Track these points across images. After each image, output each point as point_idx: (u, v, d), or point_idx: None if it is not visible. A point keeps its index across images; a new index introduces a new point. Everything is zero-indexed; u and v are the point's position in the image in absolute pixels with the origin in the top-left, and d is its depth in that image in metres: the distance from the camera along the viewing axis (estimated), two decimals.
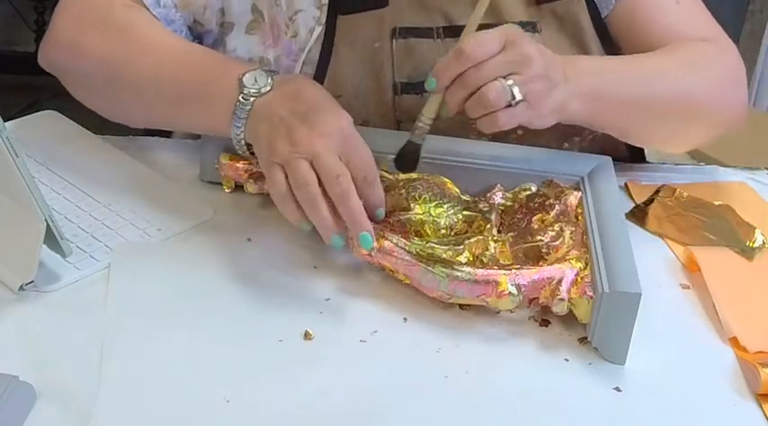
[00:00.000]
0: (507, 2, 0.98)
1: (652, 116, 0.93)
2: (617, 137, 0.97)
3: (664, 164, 1.09)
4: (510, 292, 0.77)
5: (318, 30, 0.97)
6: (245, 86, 0.85)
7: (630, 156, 1.07)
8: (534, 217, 0.87)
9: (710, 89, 0.96)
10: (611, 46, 1.01)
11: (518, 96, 0.80)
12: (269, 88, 0.85)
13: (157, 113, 0.95)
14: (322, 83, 0.97)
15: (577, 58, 0.94)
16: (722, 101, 0.98)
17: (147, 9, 0.97)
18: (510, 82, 0.79)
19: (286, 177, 0.81)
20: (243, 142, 0.87)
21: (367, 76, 0.98)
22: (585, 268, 0.79)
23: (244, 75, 0.86)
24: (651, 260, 0.89)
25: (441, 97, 0.82)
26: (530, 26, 0.98)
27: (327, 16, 0.97)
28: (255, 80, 0.85)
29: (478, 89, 0.79)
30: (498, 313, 0.81)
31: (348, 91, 0.97)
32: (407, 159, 0.86)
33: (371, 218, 0.82)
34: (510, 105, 0.80)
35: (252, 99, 0.84)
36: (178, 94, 0.91)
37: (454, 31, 0.98)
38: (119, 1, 0.97)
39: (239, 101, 0.84)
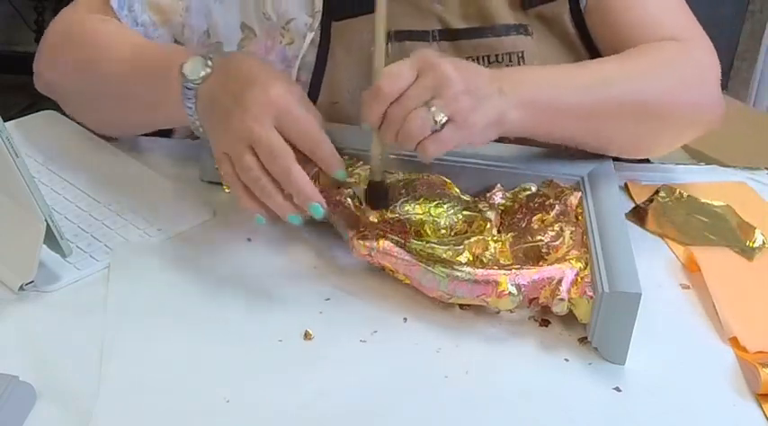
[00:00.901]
0: (496, 7, 0.98)
1: (603, 124, 0.90)
2: (577, 147, 0.94)
3: (664, 164, 1.09)
4: (510, 292, 0.77)
5: (311, 35, 0.97)
6: (185, 76, 0.86)
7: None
8: (534, 217, 0.87)
9: (670, 92, 0.93)
10: (594, 47, 1.00)
11: (441, 119, 0.77)
12: (210, 71, 0.85)
13: (132, 115, 0.96)
14: (318, 89, 0.98)
15: (517, 70, 0.92)
16: (685, 102, 0.94)
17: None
18: (432, 107, 0.77)
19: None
20: (201, 130, 0.87)
21: (363, 81, 0.97)
22: (585, 268, 0.79)
23: (183, 65, 0.86)
24: (651, 260, 0.89)
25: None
26: (522, 29, 0.98)
27: (322, 22, 0.97)
28: (195, 67, 0.86)
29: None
30: (498, 313, 0.81)
31: (344, 96, 0.98)
32: (377, 197, 0.85)
33: (323, 184, 0.84)
34: (437, 130, 0.78)
35: (194, 87, 0.85)
36: (137, 92, 0.92)
37: (450, 35, 0.98)
38: (95, 16, 0.98)
39: (184, 90, 0.86)
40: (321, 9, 0.97)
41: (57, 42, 1.00)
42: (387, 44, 0.91)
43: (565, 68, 0.93)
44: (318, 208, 0.80)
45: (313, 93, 0.99)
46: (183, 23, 0.99)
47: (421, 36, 0.98)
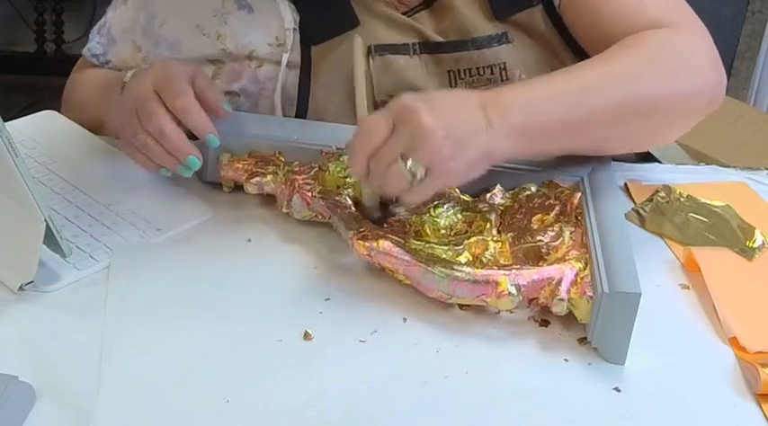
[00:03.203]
0: (471, 20, 0.98)
1: (596, 131, 0.87)
2: (573, 154, 0.92)
3: (663, 164, 1.09)
4: (510, 292, 0.77)
5: (286, 56, 0.98)
6: (124, 81, 0.95)
7: (635, 155, 1.07)
8: (534, 217, 0.87)
9: (659, 87, 0.89)
10: (576, 47, 0.99)
11: (419, 174, 0.77)
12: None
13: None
14: (305, 114, 0.99)
15: (501, 92, 0.85)
16: (677, 94, 0.90)
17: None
18: (409, 162, 0.77)
19: None
20: None
21: (347, 98, 0.98)
22: (585, 268, 0.79)
23: (126, 74, 0.96)
24: (651, 260, 0.89)
25: None
26: (503, 38, 0.98)
27: (301, 48, 0.98)
28: (131, 75, 0.94)
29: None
30: (498, 313, 0.81)
31: (331, 116, 0.98)
32: (373, 217, 0.86)
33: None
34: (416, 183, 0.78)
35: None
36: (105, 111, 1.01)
37: (429, 47, 0.98)
38: (79, 74, 1.12)
39: (121, 91, 0.94)
40: (293, 26, 0.98)
41: (63, 99, 1.14)
42: (368, 61, 0.95)
43: (551, 81, 0.88)
44: (194, 160, 0.87)
45: (299, 118, 1.00)
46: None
47: (402, 49, 0.98)
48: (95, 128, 1.05)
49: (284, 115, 1.01)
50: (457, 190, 0.90)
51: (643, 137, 0.94)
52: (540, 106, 0.84)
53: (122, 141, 0.91)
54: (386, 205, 0.87)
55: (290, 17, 0.98)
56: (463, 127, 0.79)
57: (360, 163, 0.79)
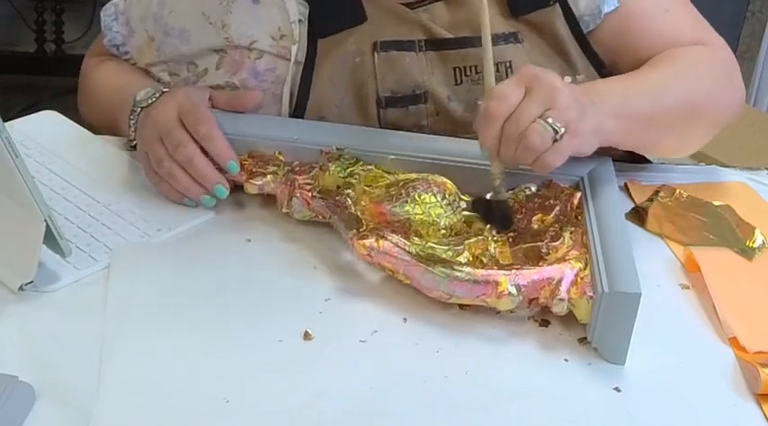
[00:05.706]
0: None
1: (662, 127, 0.94)
2: (639, 151, 0.99)
3: (663, 164, 1.09)
4: (510, 292, 0.77)
5: (295, 48, 0.98)
6: (135, 100, 0.95)
7: (631, 156, 1.07)
8: (534, 218, 0.87)
9: (709, 92, 0.97)
10: (590, 51, 1.01)
11: (560, 129, 0.80)
12: (154, 100, 0.94)
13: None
14: (305, 108, 0.98)
15: (592, 84, 0.93)
16: (720, 101, 0.99)
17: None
18: (549, 119, 0.79)
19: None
20: (132, 144, 0.97)
21: (349, 93, 0.98)
22: (585, 268, 0.79)
23: (138, 92, 0.96)
24: (651, 260, 0.89)
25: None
26: (512, 37, 0.98)
27: (308, 41, 0.98)
28: (145, 95, 0.95)
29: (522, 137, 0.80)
30: (498, 313, 0.81)
31: (332, 110, 0.98)
32: (501, 216, 0.86)
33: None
34: (556, 140, 0.80)
35: (138, 109, 0.95)
36: (113, 119, 1.03)
37: (435, 44, 0.98)
38: (95, 63, 1.11)
39: (130, 111, 0.96)
40: (299, 18, 0.97)
41: (78, 88, 1.15)
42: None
43: (627, 79, 0.96)
44: (221, 189, 0.90)
45: (299, 112, 0.99)
46: (164, 61, 1.04)
47: (407, 46, 0.97)
48: (109, 128, 1.06)
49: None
50: (457, 190, 0.90)
51: (688, 140, 1.00)
52: (625, 97, 0.90)
53: (146, 169, 0.93)
54: (509, 209, 0.87)
55: (295, 9, 0.98)
56: (581, 95, 0.84)
57: (494, 129, 0.80)
